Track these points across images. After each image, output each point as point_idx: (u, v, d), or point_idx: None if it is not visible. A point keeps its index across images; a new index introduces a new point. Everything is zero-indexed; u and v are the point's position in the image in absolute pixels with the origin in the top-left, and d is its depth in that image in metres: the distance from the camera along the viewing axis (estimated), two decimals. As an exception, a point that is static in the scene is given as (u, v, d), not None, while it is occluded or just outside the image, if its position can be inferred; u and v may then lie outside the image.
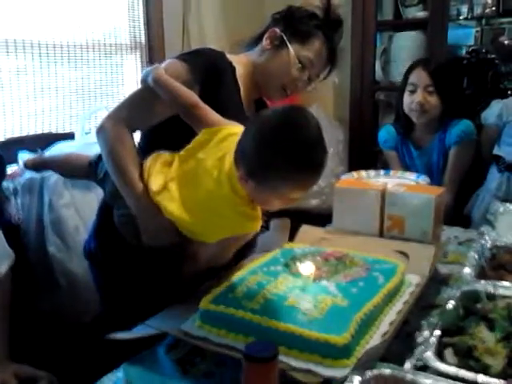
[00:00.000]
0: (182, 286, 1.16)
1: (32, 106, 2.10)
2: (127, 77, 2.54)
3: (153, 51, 2.58)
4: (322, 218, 1.60)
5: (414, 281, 1.16)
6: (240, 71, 1.35)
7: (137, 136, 1.26)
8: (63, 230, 1.81)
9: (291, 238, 1.39)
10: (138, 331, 1.01)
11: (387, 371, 0.82)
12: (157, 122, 1.22)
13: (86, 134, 2.12)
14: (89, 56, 2.30)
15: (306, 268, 1.11)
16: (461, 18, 2.99)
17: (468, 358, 0.87)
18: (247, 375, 0.79)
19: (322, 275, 1.10)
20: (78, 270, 1.79)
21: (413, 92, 2.24)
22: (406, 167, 2.32)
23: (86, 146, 1.87)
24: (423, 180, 1.82)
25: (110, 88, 2.44)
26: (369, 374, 0.81)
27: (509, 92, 2.85)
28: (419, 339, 0.94)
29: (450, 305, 1.01)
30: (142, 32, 2.56)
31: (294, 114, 0.98)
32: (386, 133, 2.44)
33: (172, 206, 1.09)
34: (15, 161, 1.89)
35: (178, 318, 1.02)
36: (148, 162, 1.16)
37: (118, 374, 0.95)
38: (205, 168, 1.06)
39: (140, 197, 1.13)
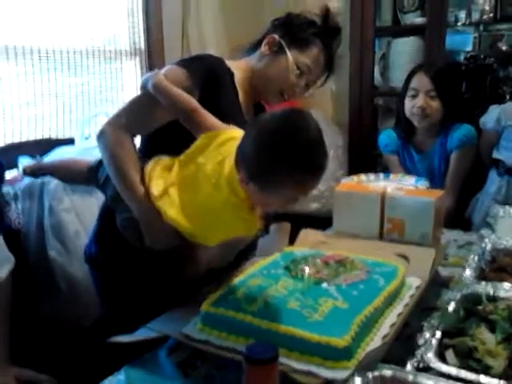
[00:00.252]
0: (182, 289, 1.16)
1: (32, 112, 2.11)
2: (127, 82, 2.54)
3: (152, 57, 2.58)
4: (322, 221, 1.60)
5: (414, 284, 1.16)
6: (238, 76, 1.37)
7: (137, 141, 1.27)
8: (63, 235, 1.81)
9: (291, 241, 1.39)
10: (139, 334, 1.01)
11: (388, 372, 0.82)
12: (157, 128, 1.22)
13: (86, 139, 2.12)
14: (88, 62, 2.31)
15: (307, 271, 1.11)
16: (459, 23, 2.99)
17: (469, 360, 0.87)
18: (248, 377, 0.79)
19: (323, 278, 1.11)
20: (78, 274, 1.79)
21: (414, 97, 2.25)
22: (408, 171, 2.32)
23: (86, 151, 1.88)
24: (423, 184, 1.82)
25: (110, 94, 2.45)
26: (370, 375, 0.81)
27: (507, 97, 2.86)
28: (420, 341, 0.94)
29: (451, 307, 1.01)
30: (142, 38, 2.57)
31: (294, 116, 0.98)
32: (387, 137, 2.44)
33: (172, 211, 1.09)
34: (15, 166, 1.89)
35: (179, 321, 1.03)
36: (149, 166, 1.16)
37: (119, 376, 0.95)
38: (204, 172, 1.07)
39: (141, 200, 1.13)
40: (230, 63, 1.36)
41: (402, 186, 1.60)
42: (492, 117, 2.32)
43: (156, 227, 1.12)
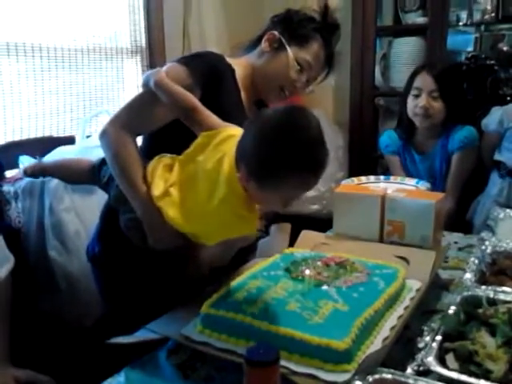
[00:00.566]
0: (183, 289, 1.16)
1: (33, 110, 2.11)
2: (128, 81, 2.55)
3: (153, 55, 2.59)
4: (322, 223, 1.60)
5: (414, 286, 1.16)
6: (239, 73, 1.37)
7: (139, 140, 1.27)
8: (64, 234, 1.81)
9: (291, 243, 1.39)
10: (139, 335, 1.01)
11: (389, 376, 0.82)
12: (158, 126, 1.22)
13: (87, 137, 2.12)
14: (89, 60, 2.31)
15: (307, 273, 1.11)
16: (460, 23, 2.98)
17: (469, 363, 0.86)
18: (248, 379, 0.79)
19: (323, 280, 1.11)
20: (78, 274, 1.79)
21: (417, 96, 2.25)
22: (408, 172, 2.32)
23: (87, 149, 1.88)
24: (423, 185, 1.82)
25: (111, 92, 2.45)
26: (370, 378, 0.81)
27: (508, 98, 2.85)
28: (420, 344, 0.93)
29: (451, 310, 1.01)
30: (143, 36, 2.57)
31: (295, 113, 0.98)
32: (388, 138, 2.44)
33: (172, 211, 1.09)
34: (16, 164, 1.89)
35: (179, 323, 1.02)
36: (151, 165, 1.16)
37: (119, 378, 0.95)
38: (204, 170, 1.07)
39: (144, 199, 1.13)
40: (230, 60, 1.36)
41: (402, 188, 1.59)
42: (494, 118, 2.31)
43: (159, 227, 1.12)
